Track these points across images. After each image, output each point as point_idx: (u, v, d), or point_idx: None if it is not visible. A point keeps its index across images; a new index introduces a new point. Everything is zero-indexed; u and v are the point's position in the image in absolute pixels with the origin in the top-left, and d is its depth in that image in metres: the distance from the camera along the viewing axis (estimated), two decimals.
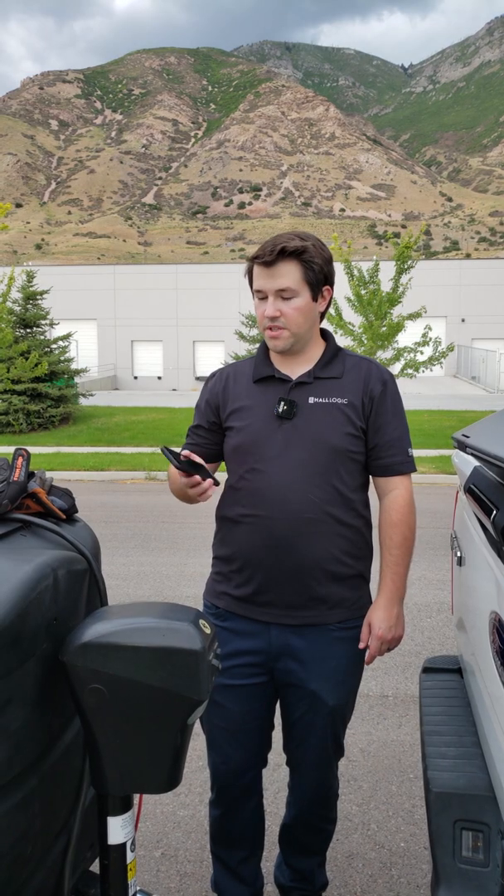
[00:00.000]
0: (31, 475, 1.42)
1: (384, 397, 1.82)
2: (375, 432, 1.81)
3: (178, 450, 1.71)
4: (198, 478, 1.66)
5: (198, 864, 2.42)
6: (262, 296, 1.78)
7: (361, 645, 1.83)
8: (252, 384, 1.86)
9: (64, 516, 1.44)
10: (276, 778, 2.83)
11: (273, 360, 1.87)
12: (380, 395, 1.81)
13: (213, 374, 1.98)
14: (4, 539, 1.30)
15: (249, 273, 1.83)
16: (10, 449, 11.68)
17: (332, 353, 1.86)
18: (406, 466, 1.84)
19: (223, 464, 1.97)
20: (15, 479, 1.37)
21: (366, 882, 2.33)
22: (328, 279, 1.82)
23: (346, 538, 1.80)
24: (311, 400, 1.79)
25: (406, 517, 1.83)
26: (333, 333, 14.21)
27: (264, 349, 1.91)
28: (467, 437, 1.95)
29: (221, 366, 2.03)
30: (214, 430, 1.92)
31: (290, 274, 1.75)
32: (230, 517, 1.85)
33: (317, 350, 1.86)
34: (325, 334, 1.91)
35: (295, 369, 1.84)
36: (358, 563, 1.84)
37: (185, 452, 1.69)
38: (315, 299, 1.81)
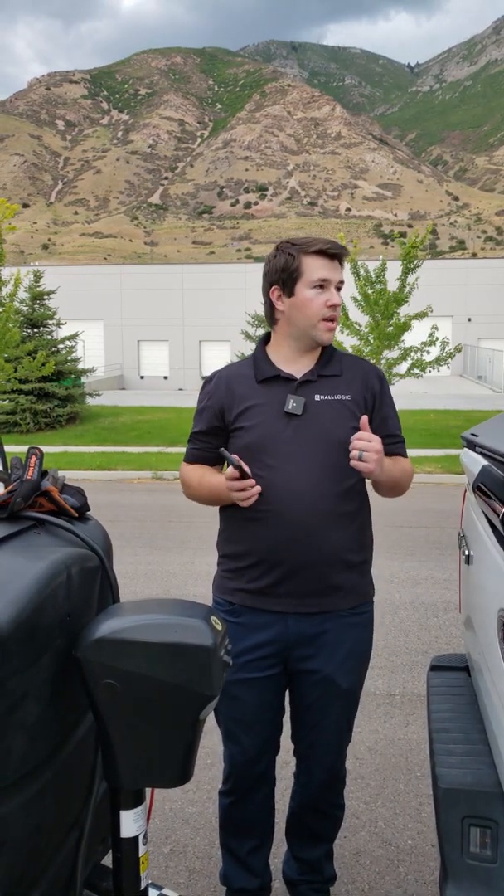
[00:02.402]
0: (44, 474, 1.44)
1: (383, 392, 1.95)
2: (380, 424, 1.91)
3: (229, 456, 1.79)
4: (251, 481, 1.75)
5: (206, 860, 2.44)
6: (323, 284, 1.85)
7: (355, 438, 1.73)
8: (257, 384, 1.90)
9: (77, 514, 1.45)
10: (282, 776, 2.84)
11: (274, 360, 1.92)
12: (379, 390, 1.93)
13: (210, 379, 2.00)
14: (18, 537, 1.31)
15: (297, 265, 1.84)
16: (18, 448, 11.73)
17: (330, 353, 1.95)
18: (404, 450, 2.00)
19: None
20: (28, 477, 1.39)
21: (373, 879, 2.34)
22: None
23: (354, 527, 1.88)
24: (318, 397, 1.86)
25: (406, 468, 1.96)
26: (340, 332, 14.14)
27: (262, 350, 1.96)
28: (476, 435, 1.97)
29: (216, 369, 2.06)
30: (218, 435, 1.95)
31: (342, 270, 1.91)
32: (243, 514, 1.87)
33: (316, 350, 1.94)
34: None
35: (297, 369, 1.90)
36: (364, 551, 1.94)
37: (237, 458, 1.76)
38: None
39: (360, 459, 1.72)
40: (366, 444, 1.72)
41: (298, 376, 1.87)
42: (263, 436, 1.83)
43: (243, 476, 1.75)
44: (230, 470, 1.76)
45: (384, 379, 1.97)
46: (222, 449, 1.81)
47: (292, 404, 1.83)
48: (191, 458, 2.01)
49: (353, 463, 1.73)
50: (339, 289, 1.89)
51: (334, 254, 1.85)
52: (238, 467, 1.73)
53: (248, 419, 1.87)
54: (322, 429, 1.82)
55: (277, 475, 1.81)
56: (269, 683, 1.92)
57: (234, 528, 1.92)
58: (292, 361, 1.90)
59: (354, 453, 1.72)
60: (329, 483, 1.81)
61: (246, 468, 1.76)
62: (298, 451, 1.81)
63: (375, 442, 1.73)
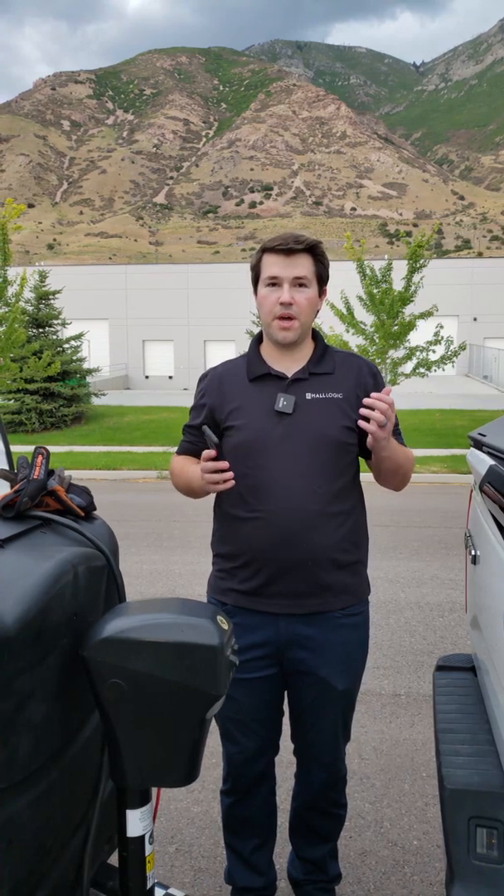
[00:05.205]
0: (50, 473, 1.44)
1: (377, 388, 1.89)
2: None
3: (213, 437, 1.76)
4: (225, 464, 1.73)
5: (211, 859, 2.44)
6: (274, 282, 1.83)
7: (365, 410, 1.72)
8: (248, 383, 1.89)
9: (83, 514, 1.46)
10: (286, 776, 2.84)
11: (266, 358, 1.91)
12: (373, 387, 1.89)
13: (206, 374, 2.01)
14: (25, 536, 1.31)
15: (257, 263, 1.88)
16: (25, 448, 11.77)
17: (322, 350, 1.92)
18: (402, 442, 1.96)
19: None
20: (35, 476, 1.39)
21: (379, 879, 2.34)
22: (327, 280, 1.91)
23: (346, 526, 1.86)
24: (309, 396, 1.84)
25: (408, 453, 1.91)
26: (346, 332, 14.06)
27: (255, 348, 1.95)
28: (484, 435, 1.96)
29: (213, 365, 2.06)
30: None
31: (306, 264, 1.83)
32: (234, 514, 1.87)
33: (308, 348, 1.92)
34: (313, 333, 1.96)
35: (289, 366, 1.88)
36: (357, 550, 1.90)
37: (216, 437, 1.74)
38: (319, 295, 1.89)
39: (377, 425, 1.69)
40: (377, 403, 1.69)
41: (290, 374, 1.86)
42: (253, 435, 1.81)
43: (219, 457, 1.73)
44: (206, 451, 1.74)
45: (378, 374, 1.95)
46: (204, 426, 1.76)
47: (282, 403, 1.82)
48: (181, 451, 2.04)
49: (361, 423, 1.71)
50: (300, 286, 1.82)
51: (289, 250, 1.80)
52: (217, 445, 1.71)
53: (238, 418, 1.86)
54: (313, 428, 1.80)
55: (268, 475, 1.79)
56: (265, 684, 1.91)
57: (226, 527, 1.92)
58: (283, 360, 1.88)
59: (365, 411, 1.70)
60: (320, 482, 1.79)
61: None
62: (289, 450, 1.79)
63: (388, 402, 1.69)
